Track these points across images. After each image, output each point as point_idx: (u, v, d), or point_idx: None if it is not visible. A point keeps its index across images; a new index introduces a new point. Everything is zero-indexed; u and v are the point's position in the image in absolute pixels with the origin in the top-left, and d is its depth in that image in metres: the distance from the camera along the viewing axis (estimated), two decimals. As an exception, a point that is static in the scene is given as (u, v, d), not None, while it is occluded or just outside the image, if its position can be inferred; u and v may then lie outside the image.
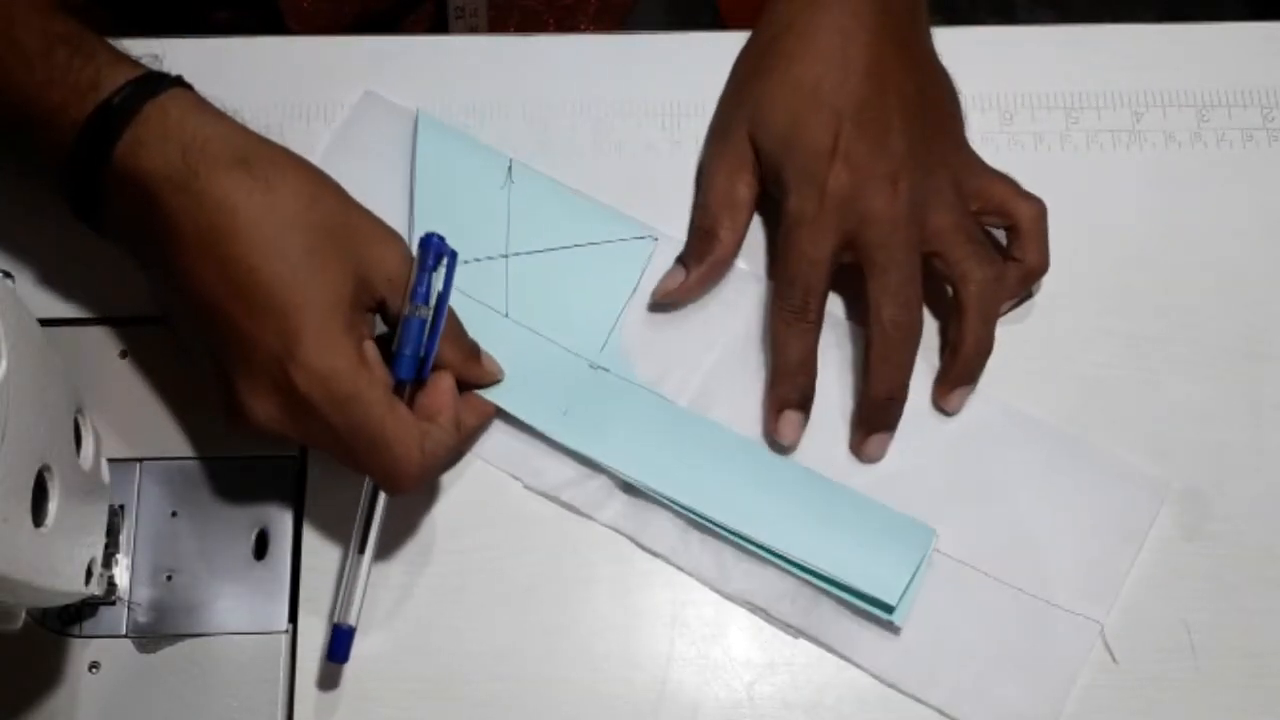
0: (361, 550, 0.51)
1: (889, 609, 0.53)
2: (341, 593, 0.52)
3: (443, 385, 0.52)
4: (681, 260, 0.57)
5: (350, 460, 0.50)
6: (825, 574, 0.53)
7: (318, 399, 0.48)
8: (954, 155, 0.57)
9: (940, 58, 0.59)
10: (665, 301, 0.58)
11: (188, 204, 0.48)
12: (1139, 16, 0.90)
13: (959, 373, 0.56)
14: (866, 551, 0.54)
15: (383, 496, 0.52)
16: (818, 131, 0.55)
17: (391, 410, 0.49)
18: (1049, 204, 0.57)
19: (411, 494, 0.51)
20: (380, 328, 0.53)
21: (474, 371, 0.55)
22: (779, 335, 0.56)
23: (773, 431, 0.56)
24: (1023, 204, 0.56)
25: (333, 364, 0.48)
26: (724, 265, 0.58)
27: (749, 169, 0.57)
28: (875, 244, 0.54)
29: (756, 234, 0.60)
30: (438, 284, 0.52)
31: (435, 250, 0.52)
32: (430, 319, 0.51)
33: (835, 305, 0.58)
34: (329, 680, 0.53)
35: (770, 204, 0.59)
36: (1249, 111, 0.62)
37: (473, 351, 0.55)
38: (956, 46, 0.59)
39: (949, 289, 0.56)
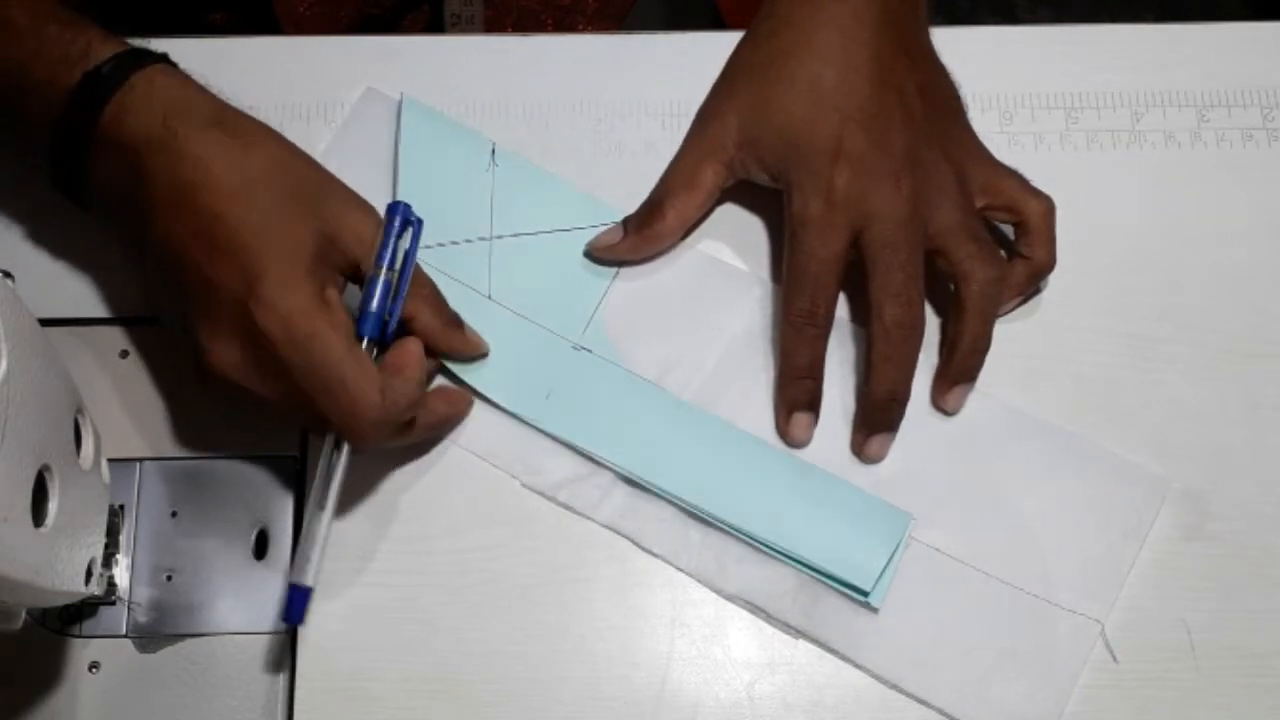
0: (321, 506, 0.51)
1: (864, 592, 0.53)
2: (299, 550, 0.51)
3: (410, 346, 0.52)
4: (624, 222, 0.58)
5: (310, 407, 0.49)
6: (802, 559, 0.54)
7: (276, 336, 0.48)
8: (959, 152, 0.57)
9: (940, 58, 0.59)
10: (597, 256, 0.58)
11: (165, 162, 0.50)
12: (1139, 16, 0.90)
13: (956, 370, 0.56)
14: (843, 537, 0.54)
15: (344, 453, 0.51)
16: (821, 130, 0.54)
17: (350, 352, 0.48)
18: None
19: (371, 449, 0.51)
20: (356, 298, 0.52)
21: (454, 340, 0.55)
22: (788, 340, 0.56)
23: (784, 433, 0.56)
24: (1031, 201, 0.56)
25: (292, 302, 0.48)
26: (661, 240, 0.58)
27: (721, 158, 0.57)
28: (879, 243, 0.54)
29: (758, 237, 0.60)
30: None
31: (402, 216, 0.52)
32: (395, 282, 0.52)
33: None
34: (329, 680, 0.53)
35: (770, 209, 0.59)
36: (1249, 111, 0.62)
37: (452, 320, 0.55)
38: (956, 46, 0.59)
39: (951, 287, 0.56)
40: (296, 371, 0.48)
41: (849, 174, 0.54)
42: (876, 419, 0.55)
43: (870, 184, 0.54)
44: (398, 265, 0.52)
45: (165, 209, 0.50)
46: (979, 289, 0.55)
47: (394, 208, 0.52)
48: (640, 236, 0.58)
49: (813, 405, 0.56)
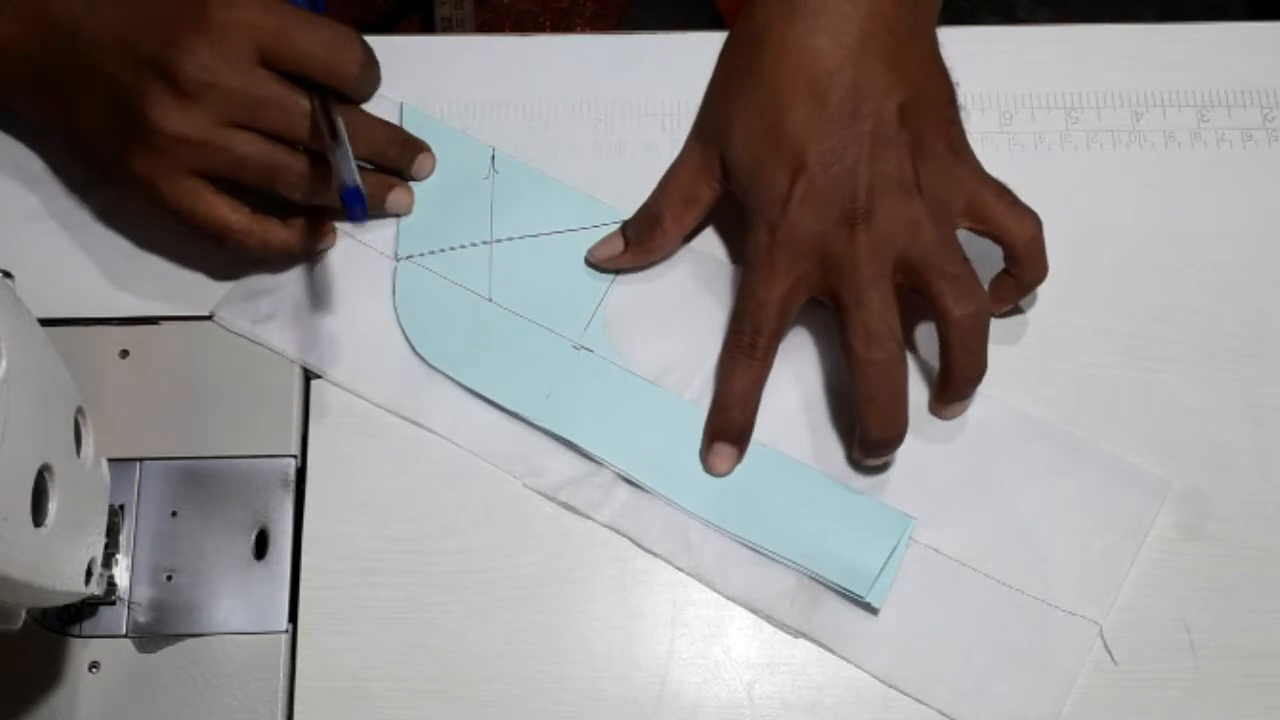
0: (336, 138, 0.51)
1: (862, 596, 0.53)
2: (336, 163, 0.51)
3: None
4: (623, 232, 0.58)
5: (282, 110, 0.53)
6: (800, 566, 0.54)
7: (258, 12, 0.52)
8: (938, 175, 0.54)
9: (940, 59, 0.57)
10: (597, 265, 0.58)
11: (47, 40, 0.53)
12: (1139, 16, 0.90)
13: (951, 395, 0.56)
14: (841, 541, 0.54)
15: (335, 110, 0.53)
16: (776, 174, 0.53)
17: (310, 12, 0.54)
18: (1050, 204, 0.56)
19: (360, 79, 0.54)
20: None
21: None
22: (724, 365, 0.55)
23: (704, 459, 0.56)
24: (1015, 225, 0.54)
25: None
26: (661, 251, 0.58)
27: (715, 175, 0.56)
28: (838, 285, 0.53)
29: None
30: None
31: None
32: None
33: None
34: (329, 680, 0.53)
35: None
36: (1249, 111, 0.62)
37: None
38: (956, 46, 0.59)
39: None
40: (278, 31, 0.52)
41: (799, 220, 0.52)
42: (875, 455, 0.55)
43: (823, 229, 0.52)
44: None
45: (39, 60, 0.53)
46: (958, 327, 0.53)
47: None
48: (641, 248, 0.58)
49: (738, 439, 0.55)
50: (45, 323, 0.47)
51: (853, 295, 0.52)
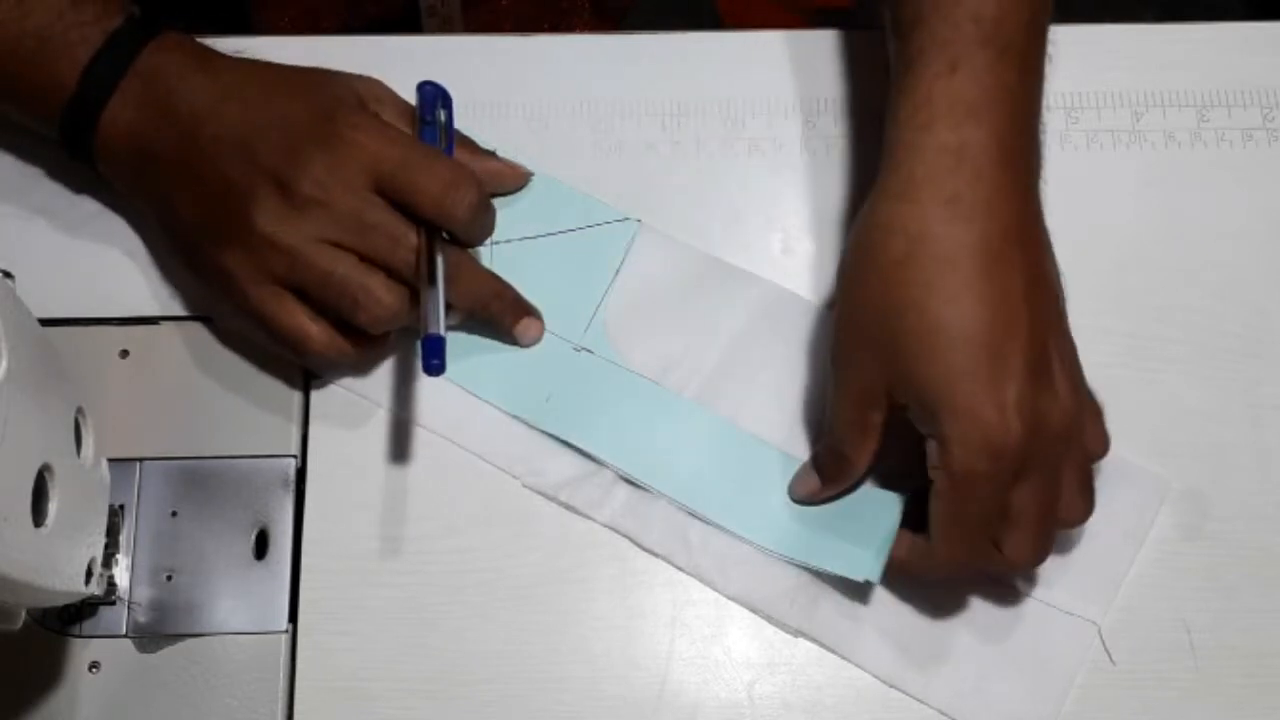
0: (432, 282, 0.51)
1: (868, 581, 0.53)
2: (424, 305, 0.50)
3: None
4: (815, 466, 0.55)
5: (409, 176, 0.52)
6: (802, 564, 0.54)
7: (374, 139, 0.52)
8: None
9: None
10: (797, 499, 0.56)
11: (165, 129, 0.53)
12: (1139, 16, 0.90)
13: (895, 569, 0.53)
14: (839, 533, 0.54)
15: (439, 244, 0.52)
16: (986, 389, 0.48)
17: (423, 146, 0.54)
18: (1050, 204, 0.56)
19: (466, 221, 0.53)
20: None
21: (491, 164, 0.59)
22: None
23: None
24: (1067, 512, 0.52)
25: (372, 119, 0.53)
26: (855, 479, 0.55)
27: (880, 399, 0.51)
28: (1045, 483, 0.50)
29: (759, 236, 0.60)
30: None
31: (429, 99, 0.57)
32: (442, 126, 0.57)
33: (817, 288, 0.58)
34: (329, 680, 0.53)
35: (770, 207, 0.59)
36: (1249, 111, 0.62)
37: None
38: (956, 46, 0.59)
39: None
40: (399, 161, 0.51)
41: (1020, 429, 0.48)
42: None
43: (1044, 441, 0.49)
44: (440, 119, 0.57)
45: (172, 152, 0.53)
46: (1005, 560, 0.51)
47: (422, 89, 0.57)
48: (837, 483, 0.55)
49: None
50: (45, 323, 0.47)
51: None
